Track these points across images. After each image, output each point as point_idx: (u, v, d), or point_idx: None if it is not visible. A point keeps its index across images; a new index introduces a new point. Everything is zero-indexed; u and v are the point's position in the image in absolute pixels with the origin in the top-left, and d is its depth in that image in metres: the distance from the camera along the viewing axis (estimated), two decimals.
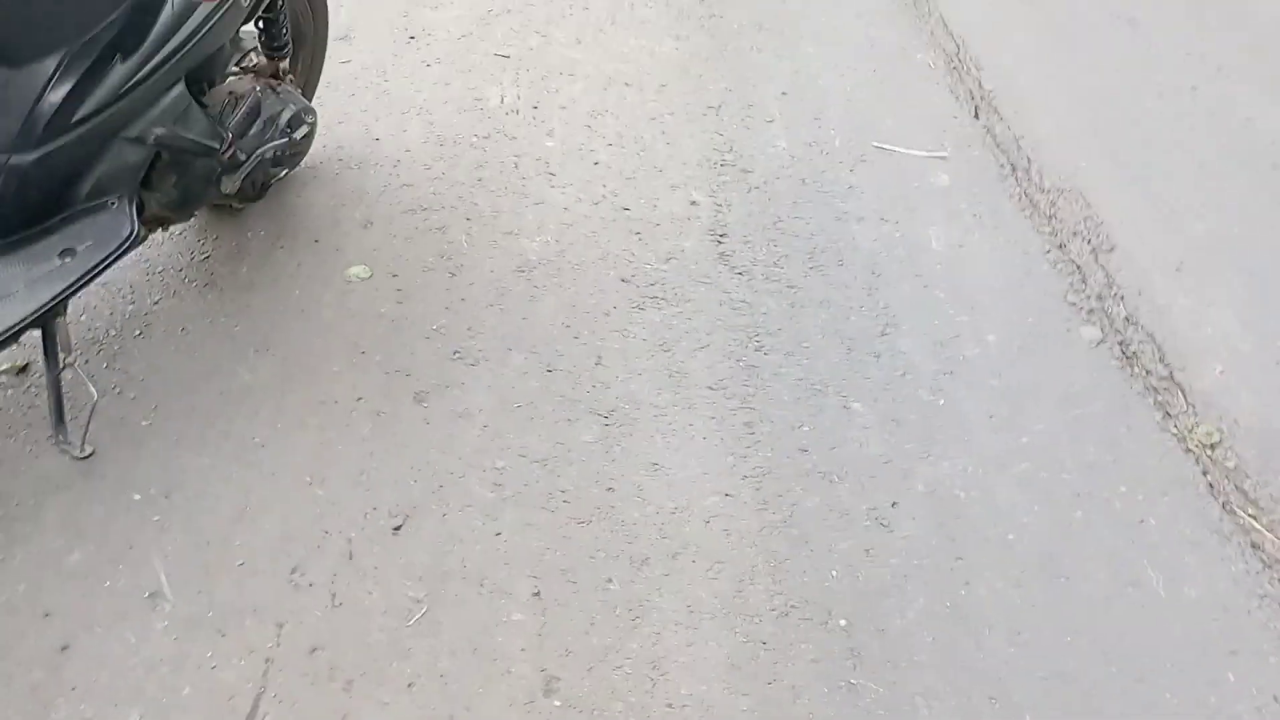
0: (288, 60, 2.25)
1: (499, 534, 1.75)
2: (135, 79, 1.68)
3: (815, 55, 3.33)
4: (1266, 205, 2.71)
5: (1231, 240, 2.57)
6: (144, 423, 1.88)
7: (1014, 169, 2.82)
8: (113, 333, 2.07)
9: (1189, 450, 1.98)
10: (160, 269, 2.24)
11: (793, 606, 1.66)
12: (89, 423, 1.77)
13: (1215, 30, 3.63)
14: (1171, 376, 2.15)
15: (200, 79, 1.96)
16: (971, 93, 3.17)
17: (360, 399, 1.98)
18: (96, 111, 1.65)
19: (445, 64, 3.12)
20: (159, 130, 1.78)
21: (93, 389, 1.76)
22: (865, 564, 1.74)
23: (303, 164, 2.51)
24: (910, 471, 1.91)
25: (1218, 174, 2.84)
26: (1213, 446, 1.99)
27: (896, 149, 2.87)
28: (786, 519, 1.81)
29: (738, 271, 2.39)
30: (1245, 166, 2.89)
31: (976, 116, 3.05)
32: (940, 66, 3.32)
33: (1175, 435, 2.02)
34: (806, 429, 1.99)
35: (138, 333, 2.08)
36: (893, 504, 1.85)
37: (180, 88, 1.82)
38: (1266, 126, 3.07)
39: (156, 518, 1.72)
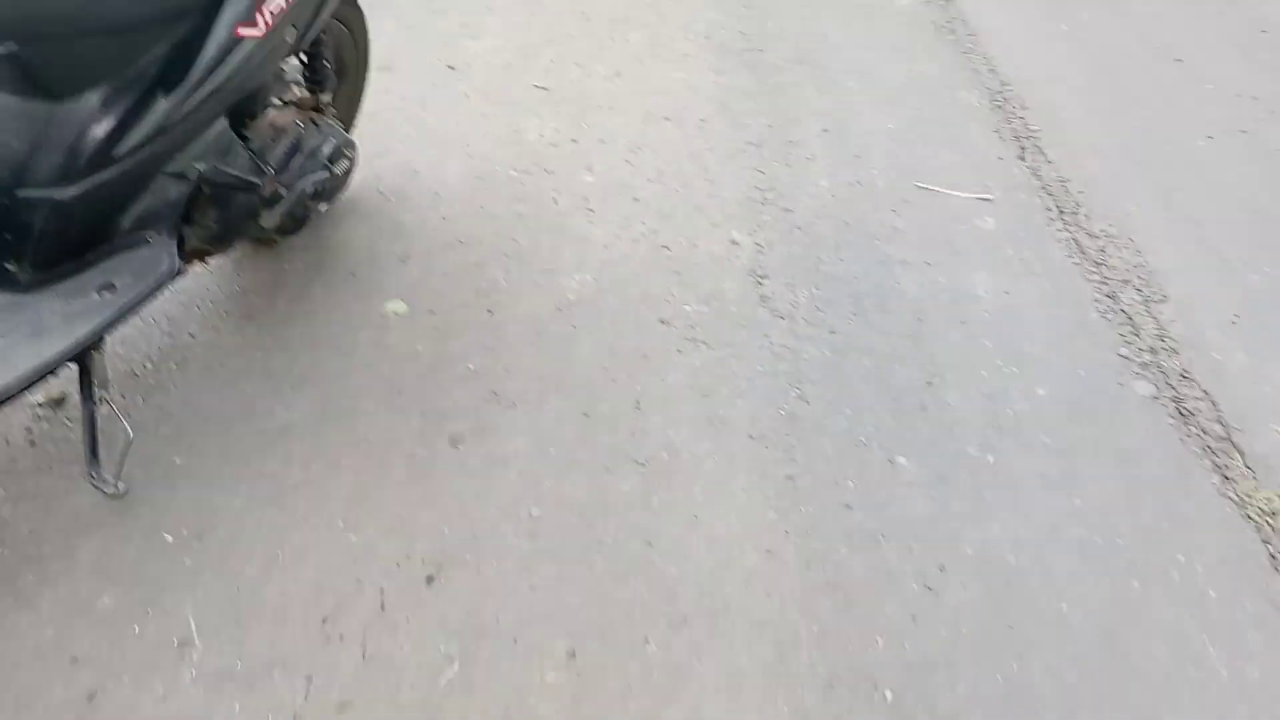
0: (329, 93, 2.23)
1: (534, 588, 1.71)
2: (178, 114, 1.66)
3: (857, 91, 3.29)
4: None
5: None
6: (178, 460, 1.85)
7: (1061, 212, 2.76)
8: (149, 366, 2.05)
9: (1249, 517, 1.91)
10: (198, 301, 2.21)
11: (837, 676, 1.60)
12: (123, 460, 1.74)
13: (1268, 70, 3.57)
14: (1229, 437, 2.08)
15: (242, 113, 1.94)
16: (1016, 133, 3.12)
17: (396, 441, 1.94)
18: (138, 147, 1.63)
19: (485, 95, 3.10)
20: (201, 165, 1.76)
21: (128, 427, 1.74)
22: (912, 632, 1.68)
23: (342, 196, 2.49)
24: (958, 533, 1.85)
25: (1273, 222, 2.77)
26: (1274, 514, 1.92)
27: (940, 190, 2.82)
28: (830, 580, 1.75)
29: (779, 315, 2.34)
30: None
31: (1022, 157, 3.00)
32: (984, 105, 3.27)
33: (1234, 501, 1.94)
34: (851, 484, 1.94)
35: (174, 366, 2.05)
36: (941, 568, 1.78)
37: (223, 123, 1.80)
38: None
39: (188, 561, 1.68)
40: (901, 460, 2.00)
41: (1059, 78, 3.45)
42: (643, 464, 1.95)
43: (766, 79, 3.33)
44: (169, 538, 1.71)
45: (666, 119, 3.07)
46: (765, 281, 2.44)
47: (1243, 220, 2.77)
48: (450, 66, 3.25)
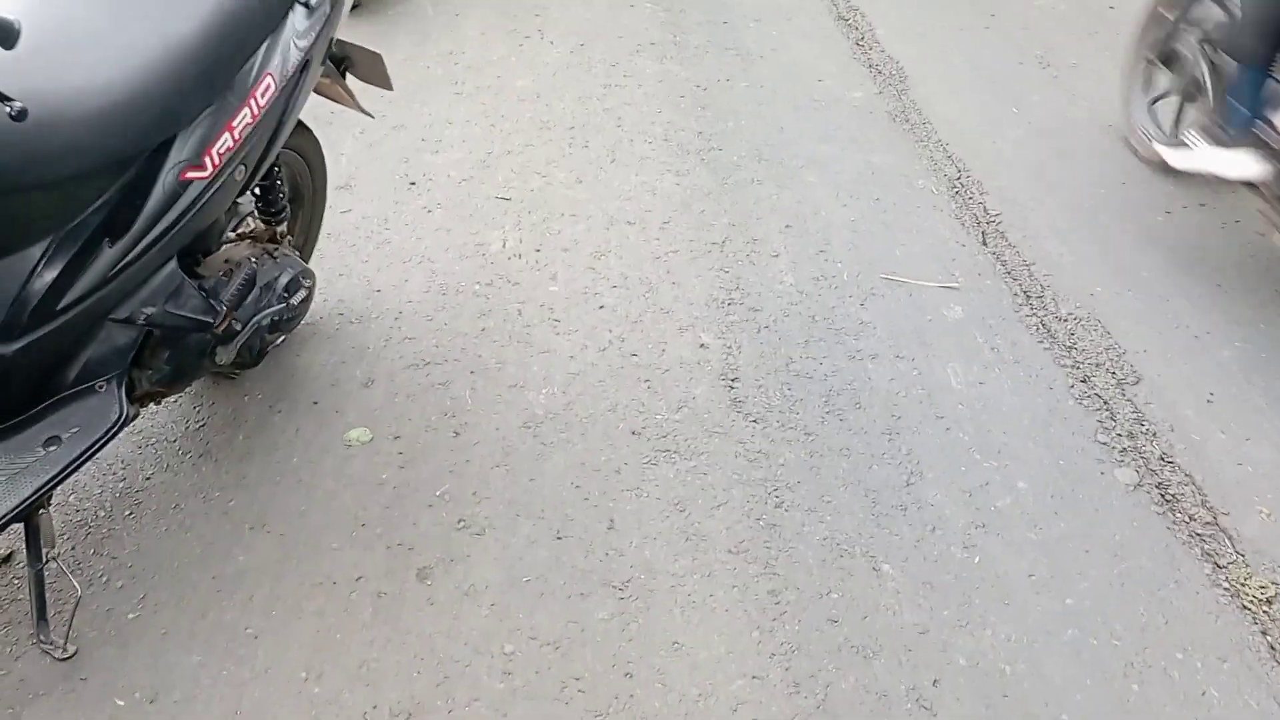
0: (285, 223, 2.21)
1: None
2: (125, 261, 1.62)
3: (817, 185, 3.32)
4: None
5: (1261, 367, 2.49)
6: (131, 615, 1.77)
7: (1028, 297, 2.76)
8: (102, 514, 1.97)
9: (1245, 607, 1.86)
10: (153, 441, 2.15)
11: None
12: (72, 619, 1.67)
13: None
14: (1216, 521, 2.04)
15: (194, 252, 1.91)
16: (977, 218, 3.14)
17: (361, 578, 1.87)
18: (84, 296, 1.59)
19: (447, 209, 3.10)
20: (149, 310, 1.72)
21: (76, 584, 1.67)
22: None
23: (302, 322, 2.46)
24: (950, 643, 1.79)
25: (1238, 293, 2.78)
26: (1269, 601, 1.87)
27: (906, 280, 2.82)
28: (820, 704, 1.67)
29: (752, 419, 2.30)
30: (1266, 282, 2.83)
31: (984, 243, 3.01)
32: (943, 192, 3.29)
33: (1228, 590, 1.89)
34: (835, 595, 1.88)
35: (128, 513, 1.98)
36: (934, 681, 1.72)
37: (172, 265, 1.76)
38: None
39: None
40: (886, 567, 1.94)
41: (1015, 161, 3.50)
42: (619, 588, 1.88)
43: (726, 178, 3.35)
44: (120, 702, 1.62)
45: (629, 223, 3.07)
46: (736, 385, 2.41)
47: (1208, 294, 2.77)
48: (411, 182, 3.25)
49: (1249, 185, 2.74)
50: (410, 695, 1.66)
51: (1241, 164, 2.67)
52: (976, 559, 1.96)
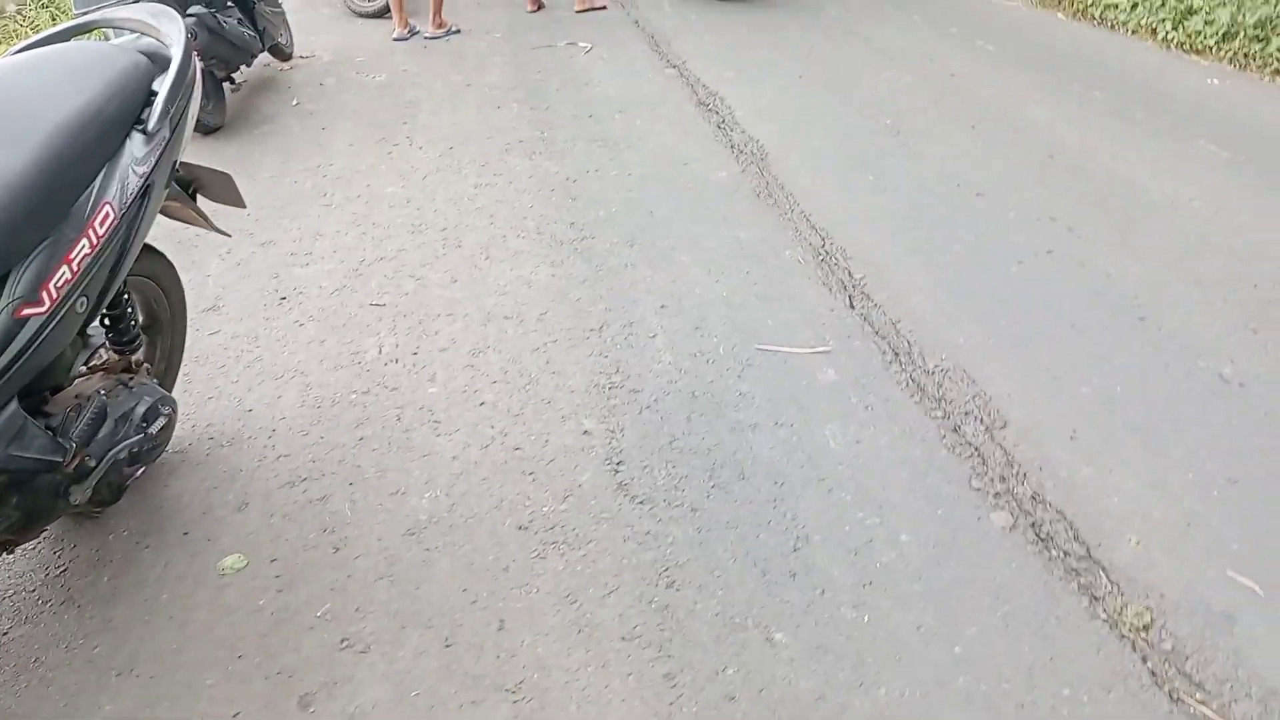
0: (140, 350, 2.16)
1: None
2: None
3: (689, 264, 3.39)
4: (1141, 358, 2.78)
5: (1117, 399, 2.61)
6: None
7: (896, 354, 2.84)
8: None
9: (1123, 636, 1.90)
10: (11, 593, 2.04)
11: None
12: None
13: (1059, 193, 3.85)
14: (1090, 555, 2.10)
15: (40, 389, 1.85)
16: (843, 283, 3.25)
17: (237, 715, 1.78)
18: None
19: (319, 321, 3.07)
20: None
21: None
22: None
23: (171, 448, 2.39)
24: (846, 705, 1.78)
25: (1090, 332, 2.92)
26: (1145, 628, 1.92)
27: (780, 349, 2.88)
28: None
29: (639, 501, 2.30)
30: (1114, 320, 2.97)
31: (851, 306, 3.11)
32: (810, 260, 3.40)
33: (1106, 621, 1.94)
34: (731, 671, 1.86)
35: None
36: None
37: (13, 406, 1.69)
38: (1124, 279, 3.19)
39: None
40: (779, 636, 1.93)
41: (874, 224, 3.64)
42: (512, 690, 1.83)
43: (601, 264, 3.40)
44: None
45: (507, 317, 3.08)
46: (621, 468, 2.41)
47: (1062, 335, 2.90)
48: (282, 297, 3.22)
49: None
50: None
51: None
52: (866, 617, 1.97)
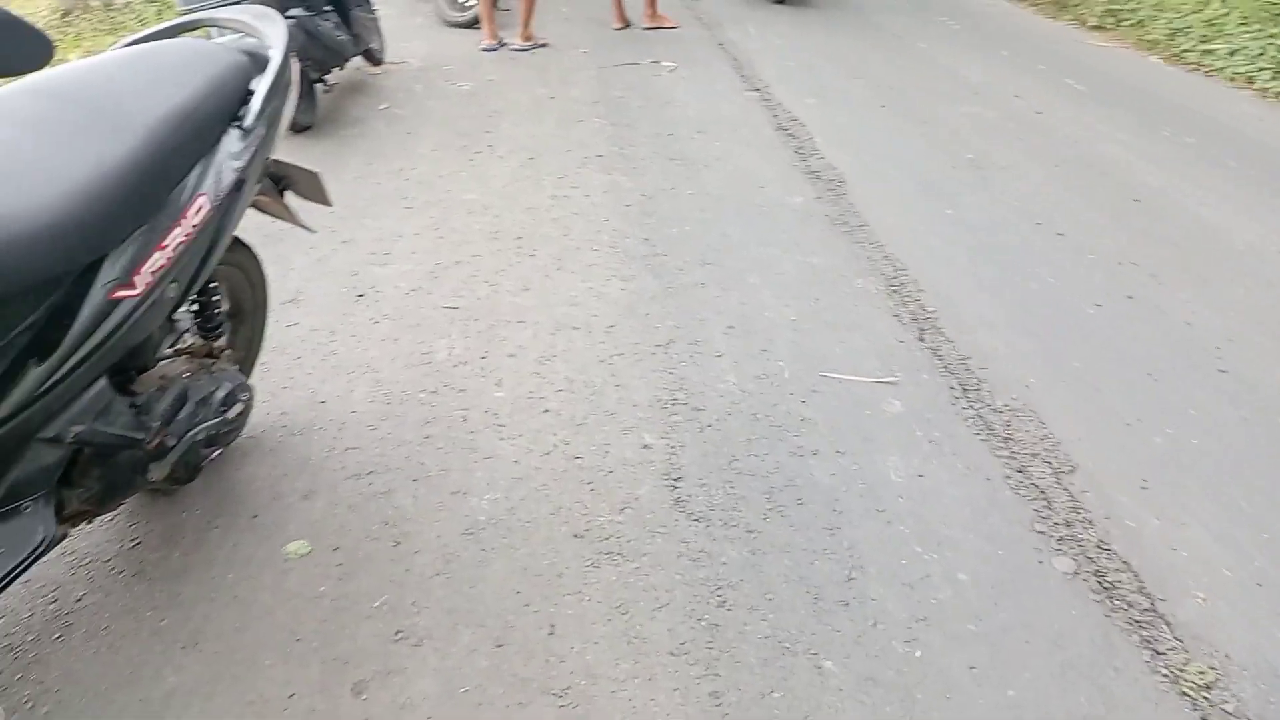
0: (224, 338, 2.23)
1: None
2: (52, 380, 1.62)
3: (759, 287, 3.40)
4: (1220, 410, 2.71)
5: (1192, 451, 2.54)
6: None
7: (964, 390, 2.81)
8: (30, 637, 1.93)
9: (1184, 693, 1.86)
10: (86, 561, 2.12)
11: None
12: None
13: (1142, 237, 3.77)
14: (1154, 608, 2.06)
15: (128, 369, 1.92)
16: (914, 315, 3.22)
17: (293, 695, 1.83)
18: (10, 416, 1.58)
19: (394, 320, 3.13)
20: (78, 428, 1.71)
21: (1, 710, 1.61)
22: None
23: (245, 434, 2.46)
24: None
25: (1168, 381, 2.85)
26: (1208, 687, 1.87)
27: (846, 377, 2.87)
28: None
29: (694, 518, 2.31)
30: (1193, 370, 2.91)
31: (921, 339, 3.08)
32: (880, 291, 3.39)
33: (1167, 676, 1.90)
34: (777, 695, 1.86)
35: (57, 635, 1.94)
36: None
37: (102, 383, 1.76)
38: (1206, 329, 3.12)
39: None
40: (828, 664, 1.92)
41: (950, 259, 3.61)
42: (559, 695, 1.85)
43: (671, 282, 3.42)
44: None
45: (575, 328, 3.12)
46: (679, 484, 2.42)
47: (1139, 383, 2.85)
48: (359, 294, 3.30)
49: None
50: None
51: None
52: (918, 653, 1.95)
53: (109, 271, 1.67)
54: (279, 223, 2.43)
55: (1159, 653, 1.95)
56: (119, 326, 1.69)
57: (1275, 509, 2.35)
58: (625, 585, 2.11)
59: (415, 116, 5.25)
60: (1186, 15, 6.57)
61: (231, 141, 1.93)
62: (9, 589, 1.65)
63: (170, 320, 2.07)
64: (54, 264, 1.58)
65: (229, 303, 2.38)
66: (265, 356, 2.75)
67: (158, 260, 1.74)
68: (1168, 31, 6.54)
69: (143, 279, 1.71)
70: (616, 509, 2.33)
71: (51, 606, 2.01)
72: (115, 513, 2.21)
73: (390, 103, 5.46)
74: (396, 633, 1.97)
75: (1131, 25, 6.96)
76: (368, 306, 3.22)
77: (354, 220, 3.86)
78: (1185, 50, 6.32)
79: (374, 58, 5.84)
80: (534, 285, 3.39)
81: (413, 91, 5.69)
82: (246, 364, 2.52)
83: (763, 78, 5.99)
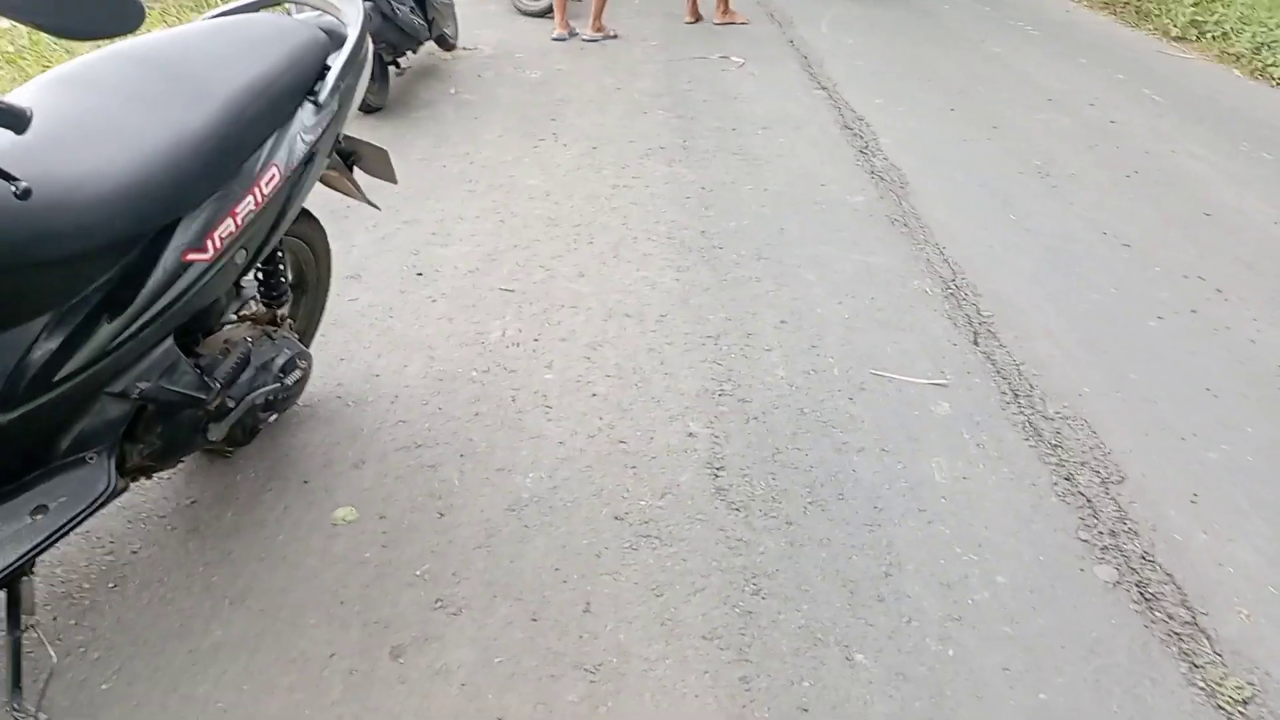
0: (287, 306, 2.30)
1: None
2: (122, 337, 1.69)
3: (814, 283, 3.39)
4: (1277, 430, 2.65)
5: (1247, 469, 2.49)
6: (104, 686, 1.79)
7: (1016, 396, 2.79)
8: (86, 586, 2.01)
9: (1220, 707, 1.83)
10: (144, 515, 2.20)
11: None
12: (45, 689, 1.69)
13: (1211, 252, 3.69)
14: (1195, 621, 2.02)
15: (194, 330, 1.99)
16: (970, 318, 3.19)
17: (334, 655, 1.89)
18: (81, 370, 1.65)
19: (451, 299, 3.20)
20: (144, 385, 1.78)
21: (52, 653, 1.70)
22: None
23: (301, 402, 2.53)
24: None
25: (1226, 398, 2.79)
26: (1245, 702, 1.84)
27: (896, 376, 2.86)
28: None
29: (735, 507, 2.32)
30: (1254, 389, 2.84)
31: (975, 343, 3.05)
32: (937, 293, 3.36)
33: (1204, 689, 1.87)
34: (807, 684, 1.87)
35: (112, 585, 2.02)
36: None
37: (169, 342, 1.83)
38: (1270, 347, 3.05)
39: None
40: (860, 657, 1.93)
41: (1010, 265, 3.57)
42: (591, 671, 1.88)
43: (725, 274, 3.44)
44: None
45: (627, 315, 3.15)
46: (721, 474, 2.44)
47: (1196, 398, 2.79)
48: (419, 273, 3.37)
49: None
50: None
51: None
52: (951, 651, 1.95)
53: (183, 235, 1.74)
54: (345, 199, 2.49)
55: (1197, 666, 1.92)
56: (189, 288, 1.76)
57: None
58: (662, 569, 2.14)
59: (483, 102, 5.32)
60: (1273, 29, 6.37)
61: (305, 115, 1.99)
62: (69, 538, 1.72)
63: (237, 286, 2.15)
64: (131, 225, 1.65)
65: (293, 273, 2.46)
66: (324, 329, 2.82)
67: (229, 226, 1.81)
68: (1252, 45, 6.35)
69: (214, 244, 1.78)
70: (658, 494, 2.36)
71: (108, 558, 2.10)
72: (173, 471, 2.29)
73: (460, 88, 5.55)
74: (436, 601, 2.02)
75: (1215, 38, 6.77)
76: (426, 285, 3.29)
77: (417, 201, 3.94)
78: (1270, 65, 6.13)
79: (447, 43, 5.93)
80: (589, 272, 3.43)
81: (482, 78, 5.77)
82: (307, 335, 2.59)
83: (831, 76, 5.96)
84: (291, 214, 2.05)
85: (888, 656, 1.93)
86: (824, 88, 5.75)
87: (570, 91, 5.58)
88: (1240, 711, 1.82)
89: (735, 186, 4.23)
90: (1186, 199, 4.21)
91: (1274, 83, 6.05)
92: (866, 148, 4.75)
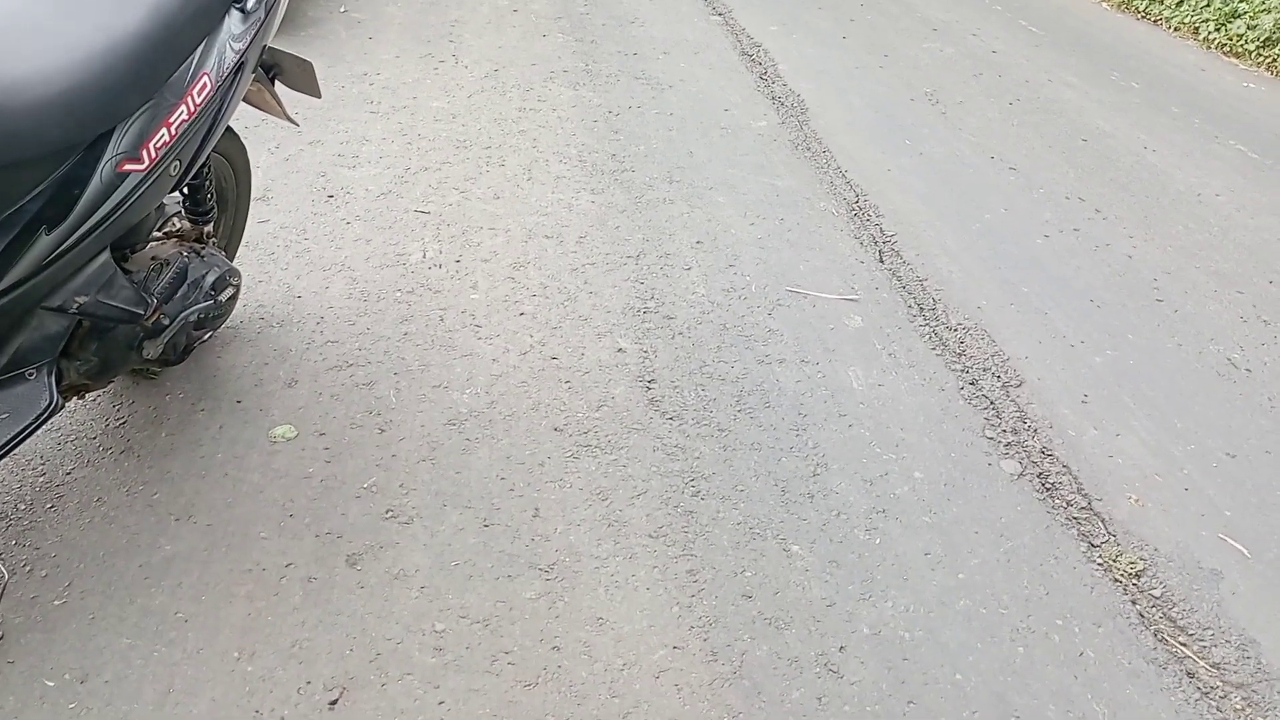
0: (211, 224, 2.25)
1: (442, 703, 1.68)
2: (60, 250, 1.64)
3: (725, 205, 3.48)
4: (1155, 336, 2.90)
5: (1129, 371, 2.73)
6: (57, 602, 1.77)
7: (921, 309, 2.95)
8: (22, 506, 1.96)
9: (1116, 580, 2.04)
10: (74, 437, 2.15)
11: None
12: None
13: (1089, 175, 3.94)
14: (1090, 507, 2.24)
15: (124, 245, 1.94)
16: (874, 238, 3.34)
17: (290, 565, 1.91)
18: (18, 284, 1.60)
19: (365, 221, 3.15)
20: (81, 299, 1.74)
21: (2, 568, 1.66)
22: (819, 713, 1.72)
23: (225, 324, 2.48)
24: (854, 614, 1.92)
25: (1109, 308, 3.03)
26: (1137, 575, 2.06)
27: (810, 292, 2.99)
28: (737, 670, 1.78)
29: (669, 417, 2.42)
30: (1132, 299, 3.09)
31: (881, 260, 3.21)
32: (842, 214, 3.50)
33: (1101, 565, 2.08)
34: (749, 574, 1.99)
35: (49, 506, 1.98)
36: (840, 648, 1.84)
37: (105, 256, 1.78)
38: (1145, 262, 3.30)
39: (72, 705, 1.60)
40: (795, 548, 2.06)
41: (908, 187, 3.73)
42: (545, 570, 1.96)
43: (640, 197, 3.49)
44: (50, 683, 1.63)
45: (547, 237, 3.18)
46: (653, 386, 2.52)
47: (1082, 309, 3.02)
48: (329, 195, 3.30)
49: None
50: (343, 671, 1.71)
51: None
52: (878, 540, 2.10)
53: (117, 144, 1.68)
54: (246, 117, 2.43)
55: (1094, 545, 2.13)
56: (126, 199, 1.71)
57: (1202, 424, 2.54)
58: (604, 475, 2.22)
59: (375, 21, 5.16)
60: None
61: (234, 22, 1.93)
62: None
63: (160, 202, 2.09)
64: (66, 133, 1.59)
65: (215, 191, 2.39)
66: (238, 251, 2.75)
67: (163, 136, 1.76)
68: None
69: (149, 154, 1.73)
70: (594, 406, 2.43)
71: (41, 479, 2.04)
72: (100, 391, 2.24)
73: (348, 6, 5.35)
74: (386, 511, 2.06)
75: None
76: (339, 207, 3.23)
77: (319, 122, 3.83)
78: None
79: None
80: (504, 194, 3.43)
81: None
82: (228, 253, 2.53)
83: (726, 3, 6.00)
84: (222, 125, 2.00)
85: (821, 546, 2.07)
86: (719, 14, 5.79)
87: (464, 12, 5.45)
88: (1134, 584, 2.04)
89: (641, 111, 4.26)
90: (1064, 125, 4.46)
91: (1138, 15, 6.40)
92: (765, 74, 4.83)
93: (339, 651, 1.74)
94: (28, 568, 1.83)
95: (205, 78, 1.87)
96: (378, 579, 1.90)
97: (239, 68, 1.98)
